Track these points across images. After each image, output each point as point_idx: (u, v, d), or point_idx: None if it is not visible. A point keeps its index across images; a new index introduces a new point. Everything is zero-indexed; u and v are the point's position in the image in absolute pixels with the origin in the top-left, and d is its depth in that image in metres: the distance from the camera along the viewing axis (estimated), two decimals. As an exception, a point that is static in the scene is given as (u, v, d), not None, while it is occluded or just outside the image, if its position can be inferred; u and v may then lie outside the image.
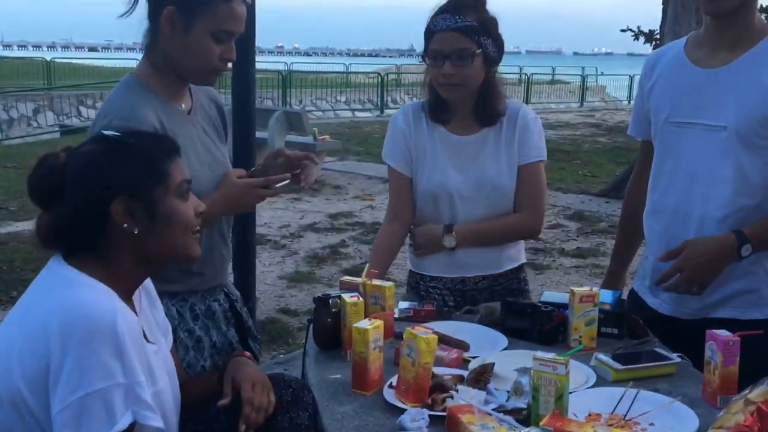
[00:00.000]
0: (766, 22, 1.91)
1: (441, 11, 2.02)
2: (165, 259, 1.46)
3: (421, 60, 2.10)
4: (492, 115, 2.12)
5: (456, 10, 2.00)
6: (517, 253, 2.26)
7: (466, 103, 2.11)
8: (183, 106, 1.82)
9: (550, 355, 1.48)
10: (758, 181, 1.84)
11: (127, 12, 1.73)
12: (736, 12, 1.83)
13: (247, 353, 1.69)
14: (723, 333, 1.58)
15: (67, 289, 1.31)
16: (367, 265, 2.02)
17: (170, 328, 1.60)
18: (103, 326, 1.23)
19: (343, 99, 20.05)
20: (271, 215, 7.45)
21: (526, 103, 22.70)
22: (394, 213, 2.21)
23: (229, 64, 1.76)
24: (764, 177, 1.84)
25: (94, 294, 1.30)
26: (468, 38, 2.00)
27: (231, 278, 2.07)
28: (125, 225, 1.35)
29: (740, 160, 1.83)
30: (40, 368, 1.23)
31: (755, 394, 1.35)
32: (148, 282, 1.52)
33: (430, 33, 2.03)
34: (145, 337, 1.41)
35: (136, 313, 1.43)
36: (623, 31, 11.67)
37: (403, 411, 1.49)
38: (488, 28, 2.03)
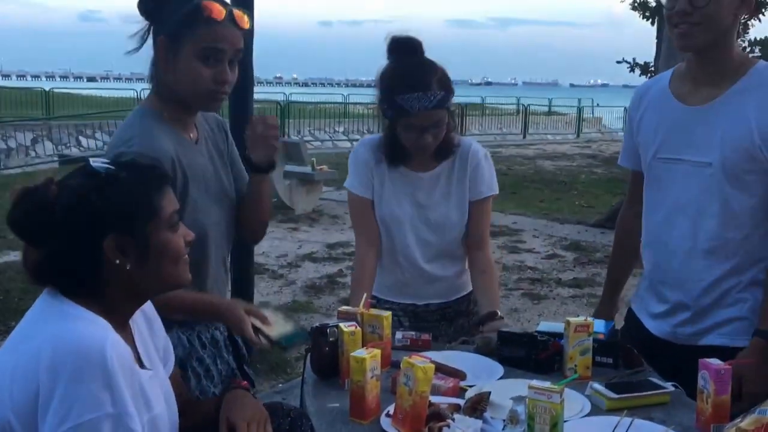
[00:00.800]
0: (747, 54, 1.95)
1: (410, 89, 2.05)
2: (157, 289, 1.47)
3: (380, 111, 2.16)
4: (447, 151, 2.23)
5: (424, 86, 2.05)
6: (466, 282, 2.37)
7: None
8: (191, 135, 1.85)
9: (545, 384, 1.50)
10: (744, 214, 1.87)
11: (136, 49, 1.76)
12: (712, 48, 1.85)
13: (245, 383, 1.70)
14: (715, 362, 1.60)
15: (58, 321, 1.31)
16: (365, 295, 2.05)
17: (172, 352, 1.60)
18: (93, 357, 1.24)
19: (342, 129, 20.19)
20: (269, 245, 7.47)
21: (524, 134, 22.88)
22: (368, 239, 2.28)
23: (227, 87, 1.76)
24: (750, 210, 1.87)
25: (85, 325, 1.31)
26: (442, 109, 2.10)
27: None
28: (117, 261, 1.35)
29: (726, 196, 1.86)
30: (30, 399, 1.24)
31: (747, 422, 1.37)
32: (148, 305, 1.53)
33: (403, 111, 2.06)
34: (141, 362, 1.42)
35: (133, 339, 1.44)
36: (619, 62, 11.83)
37: (400, 439, 1.50)
38: (447, 86, 2.11)
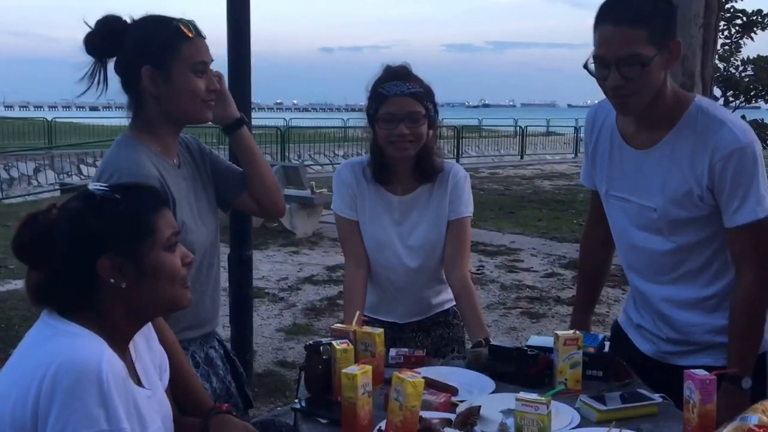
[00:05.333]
0: (680, 92, 1.89)
1: (390, 78, 2.19)
2: (156, 310, 1.49)
3: (367, 125, 2.27)
4: (430, 172, 2.28)
5: (404, 77, 2.19)
6: (444, 300, 2.41)
7: (408, 163, 2.25)
8: (174, 160, 1.90)
9: (533, 396, 1.53)
10: (699, 246, 1.89)
11: (89, 89, 1.82)
12: (649, 104, 1.81)
13: (225, 406, 1.71)
14: (700, 372, 1.63)
15: (56, 339, 1.34)
16: (358, 312, 2.08)
17: (166, 364, 1.62)
18: (89, 374, 1.27)
19: (341, 153, 20.29)
20: (270, 268, 7.50)
21: (521, 155, 22.97)
22: (357, 260, 2.32)
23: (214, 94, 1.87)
24: (703, 242, 1.89)
25: (81, 342, 1.34)
26: (418, 102, 2.18)
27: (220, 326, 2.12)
28: (112, 280, 1.38)
29: (675, 235, 1.88)
30: (30, 415, 1.27)
31: (729, 429, 1.40)
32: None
33: (382, 98, 2.18)
34: (139, 383, 1.45)
35: (132, 359, 1.47)
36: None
37: (391, 453, 1.52)
38: (429, 94, 2.22)
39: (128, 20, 1.79)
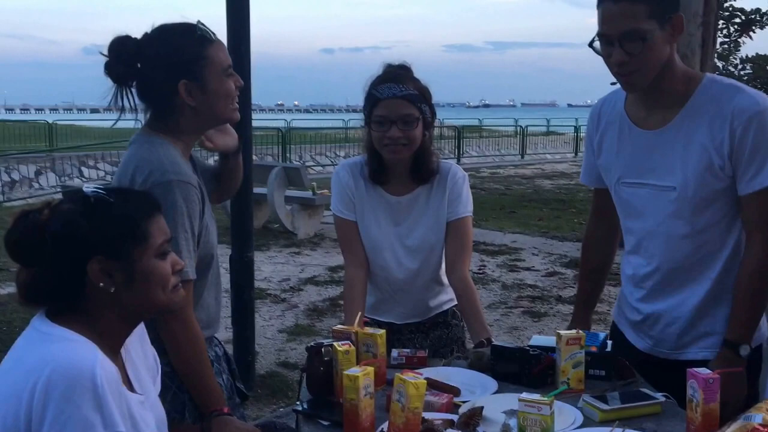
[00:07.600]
0: (691, 70, 1.90)
1: (384, 81, 2.18)
2: (146, 314, 1.48)
3: (363, 125, 2.26)
4: (426, 174, 2.27)
5: (398, 80, 2.18)
6: (442, 302, 2.40)
7: (404, 164, 2.25)
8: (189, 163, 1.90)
9: (535, 396, 1.53)
10: (714, 229, 1.89)
11: (119, 119, 1.85)
12: (656, 81, 1.82)
13: (226, 408, 1.72)
14: (703, 371, 1.62)
15: (47, 345, 1.33)
16: (359, 313, 2.08)
17: (159, 368, 1.61)
18: (83, 378, 1.26)
19: (343, 154, 20.29)
20: (272, 269, 7.51)
21: (521, 155, 22.98)
22: (356, 261, 2.31)
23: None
24: (718, 227, 1.88)
25: (73, 347, 1.32)
26: (412, 105, 2.17)
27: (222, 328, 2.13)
28: (101, 284, 1.36)
29: (694, 216, 1.87)
30: (23, 422, 1.25)
31: (732, 429, 1.39)
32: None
33: (375, 100, 2.18)
34: (131, 387, 1.43)
35: (123, 364, 1.46)
36: (613, 84, 11.93)
37: (393, 455, 1.52)
38: (425, 96, 2.21)
39: (138, 36, 1.78)
